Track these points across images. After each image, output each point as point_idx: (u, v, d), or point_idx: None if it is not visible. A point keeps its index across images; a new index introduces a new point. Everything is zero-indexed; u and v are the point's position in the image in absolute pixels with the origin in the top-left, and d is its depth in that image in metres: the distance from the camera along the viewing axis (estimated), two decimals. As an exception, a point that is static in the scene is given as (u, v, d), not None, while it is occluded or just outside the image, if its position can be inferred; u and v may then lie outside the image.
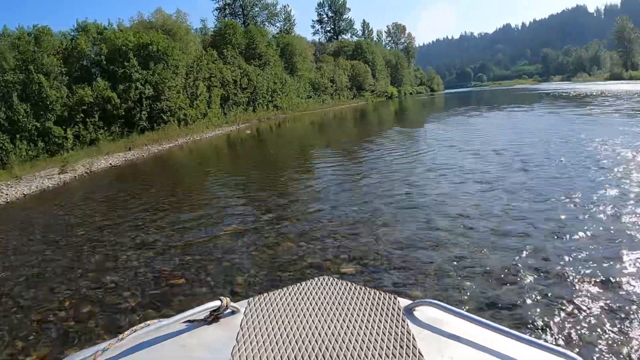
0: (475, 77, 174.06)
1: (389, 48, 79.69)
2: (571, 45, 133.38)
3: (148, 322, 1.16)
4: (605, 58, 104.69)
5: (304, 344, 1.16)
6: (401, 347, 1.13)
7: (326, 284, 1.49)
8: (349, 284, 1.49)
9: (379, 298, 1.39)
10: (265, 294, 1.44)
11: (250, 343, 1.17)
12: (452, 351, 1.11)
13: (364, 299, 1.38)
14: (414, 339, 1.16)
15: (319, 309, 1.33)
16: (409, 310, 1.31)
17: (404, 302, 1.36)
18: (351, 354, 1.10)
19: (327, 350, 1.12)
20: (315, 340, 1.17)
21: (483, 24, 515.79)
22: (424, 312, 1.29)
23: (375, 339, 1.16)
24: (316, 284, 1.50)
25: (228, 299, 1.30)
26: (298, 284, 1.50)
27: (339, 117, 34.46)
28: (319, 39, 68.56)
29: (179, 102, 25.05)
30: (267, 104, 37.12)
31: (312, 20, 73.36)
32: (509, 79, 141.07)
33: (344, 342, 1.15)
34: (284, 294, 1.43)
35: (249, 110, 34.35)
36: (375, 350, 1.12)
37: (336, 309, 1.33)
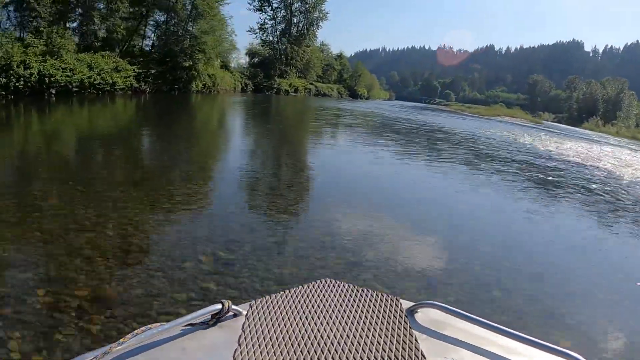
0: (441, 93, 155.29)
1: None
2: (577, 76, 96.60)
3: (149, 325, 1.15)
4: (630, 103, 72.03)
5: (306, 346, 1.15)
6: (404, 349, 1.13)
7: (329, 286, 1.49)
8: (352, 285, 1.49)
9: (381, 300, 1.39)
10: (267, 297, 1.43)
11: (252, 346, 1.15)
12: (455, 353, 1.12)
13: (366, 301, 1.38)
14: (416, 340, 1.16)
15: (321, 311, 1.32)
16: (411, 312, 1.31)
17: (406, 303, 1.37)
18: (354, 356, 1.11)
19: (330, 352, 1.12)
20: (318, 343, 1.16)
21: (465, 41, 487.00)
22: (427, 314, 1.30)
23: (377, 341, 1.16)
24: (319, 286, 1.49)
25: (229, 301, 1.27)
26: (300, 286, 1.49)
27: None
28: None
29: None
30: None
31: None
32: (482, 103, 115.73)
33: (346, 345, 1.15)
34: (286, 297, 1.42)
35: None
36: (378, 352, 1.12)
37: (339, 311, 1.32)
